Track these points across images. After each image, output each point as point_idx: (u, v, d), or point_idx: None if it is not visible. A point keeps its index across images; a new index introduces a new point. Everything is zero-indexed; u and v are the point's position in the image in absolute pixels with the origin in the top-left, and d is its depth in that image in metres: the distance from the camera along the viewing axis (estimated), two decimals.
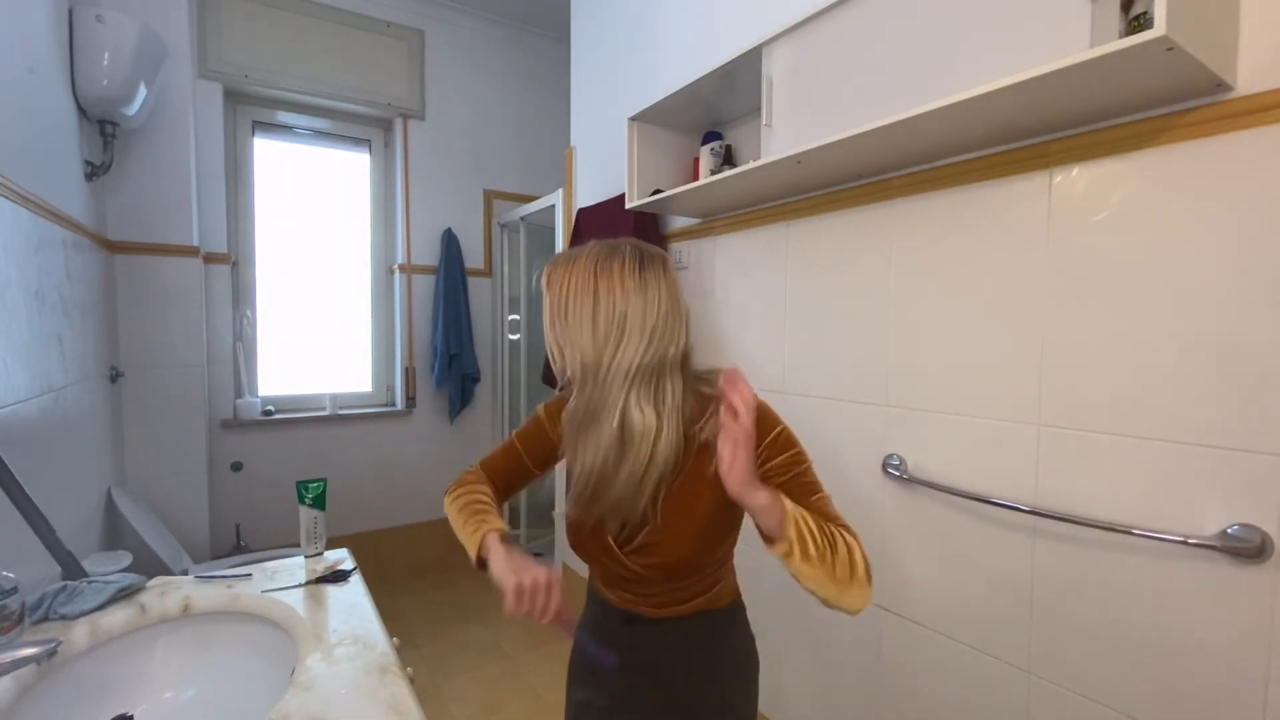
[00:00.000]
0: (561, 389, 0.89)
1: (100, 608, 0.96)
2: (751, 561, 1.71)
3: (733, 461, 0.70)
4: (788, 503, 0.73)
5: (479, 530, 0.86)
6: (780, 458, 0.82)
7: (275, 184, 2.82)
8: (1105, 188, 1.00)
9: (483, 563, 0.84)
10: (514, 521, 3.18)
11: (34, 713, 0.79)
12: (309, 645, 0.89)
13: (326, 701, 0.75)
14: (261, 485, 2.68)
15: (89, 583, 1.00)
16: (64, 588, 0.97)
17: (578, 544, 0.91)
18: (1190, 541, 0.89)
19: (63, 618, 0.93)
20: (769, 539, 0.74)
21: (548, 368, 2.27)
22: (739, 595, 0.98)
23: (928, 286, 1.27)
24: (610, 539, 0.87)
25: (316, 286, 2.95)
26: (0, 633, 0.77)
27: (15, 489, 0.95)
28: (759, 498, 0.71)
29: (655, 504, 0.82)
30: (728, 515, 0.85)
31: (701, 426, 0.82)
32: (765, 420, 0.82)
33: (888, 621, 1.37)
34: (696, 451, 0.82)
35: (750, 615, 0.99)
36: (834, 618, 1.48)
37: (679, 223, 1.95)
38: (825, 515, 0.79)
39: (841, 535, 0.77)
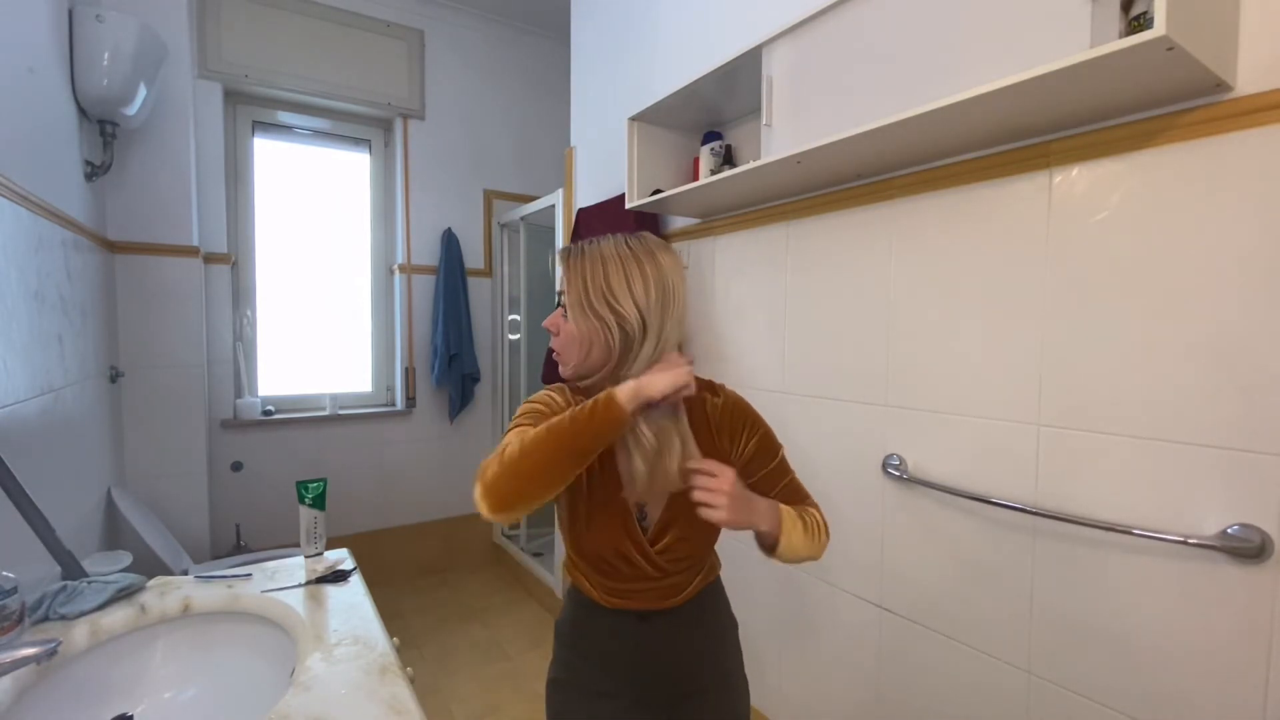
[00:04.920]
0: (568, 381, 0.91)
1: (100, 608, 0.96)
2: (749, 567, 1.72)
3: (721, 502, 0.76)
4: (780, 508, 0.85)
5: (581, 411, 0.73)
6: (763, 454, 0.92)
7: (275, 184, 2.82)
8: (1105, 188, 1.00)
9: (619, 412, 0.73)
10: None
11: (34, 713, 0.79)
12: (309, 645, 0.89)
13: (326, 701, 0.75)
14: (261, 485, 2.68)
15: (89, 583, 1.00)
16: (64, 588, 0.97)
17: (600, 542, 0.86)
18: (1190, 541, 0.89)
19: (63, 618, 0.93)
20: (767, 545, 0.86)
21: (548, 367, 2.27)
22: (719, 562, 1.05)
23: (928, 286, 1.27)
24: (640, 535, 0.86)
25: (316, 286, 2.94)
26: (0, 633, 0.78)
27: (15, 489, 0.95)
28: (758, 514, 0.81)
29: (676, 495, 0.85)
30: None
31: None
32: (747, 414, 0.92)
33: (887, 621, 1.37)
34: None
35: (748, 616, 1.01)
36: (832, 618, 1.49)
37: (679, 223, 1.95)
38: (797, 494, 0.94)
39: (810, 514, 0.90)
